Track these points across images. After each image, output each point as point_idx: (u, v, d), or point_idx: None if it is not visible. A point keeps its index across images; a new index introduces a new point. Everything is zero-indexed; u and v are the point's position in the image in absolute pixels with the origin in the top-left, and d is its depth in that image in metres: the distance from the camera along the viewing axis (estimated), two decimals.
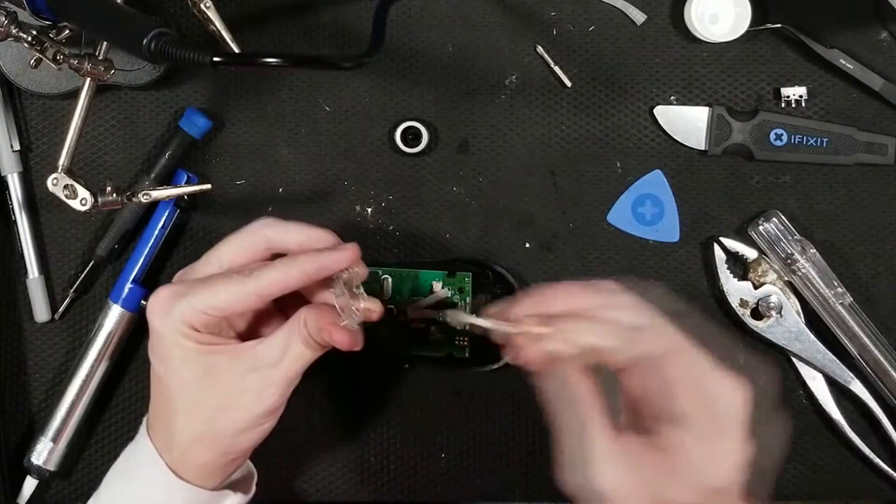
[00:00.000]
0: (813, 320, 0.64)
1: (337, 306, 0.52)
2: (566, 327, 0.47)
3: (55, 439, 0.64)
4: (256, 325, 0.56)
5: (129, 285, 0.64)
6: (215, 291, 0.51)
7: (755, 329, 0.64)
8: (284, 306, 0.55)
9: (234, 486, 0.56)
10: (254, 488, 0.58)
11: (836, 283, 0.63)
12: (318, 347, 0.52)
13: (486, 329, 0.49)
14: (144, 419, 0.56)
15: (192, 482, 0.53)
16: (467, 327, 0.51)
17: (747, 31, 0.63)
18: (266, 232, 0.54)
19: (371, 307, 0.52)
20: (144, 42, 0.49)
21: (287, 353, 0.52)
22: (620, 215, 0.65)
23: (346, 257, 0.52)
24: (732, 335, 0.65)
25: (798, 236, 0.64)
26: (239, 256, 0.54)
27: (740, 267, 0.65)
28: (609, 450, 0.45)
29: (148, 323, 0.53)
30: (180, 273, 0.55)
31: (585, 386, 0.47)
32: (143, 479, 0.54)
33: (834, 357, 0.64)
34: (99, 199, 0.55)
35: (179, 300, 0.51)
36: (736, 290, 0.64)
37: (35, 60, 0.54)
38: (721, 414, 0.46)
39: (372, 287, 0.64)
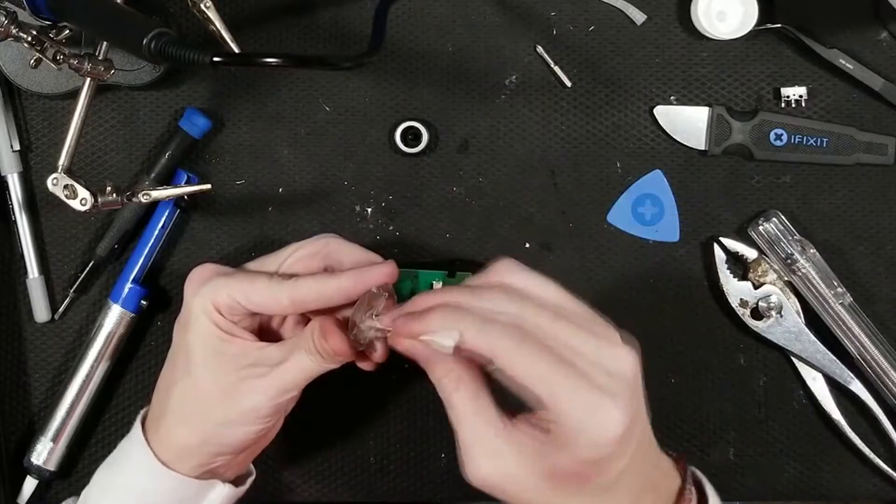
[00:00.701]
0: (813, 320, 0.64)
1: (351, 318, 0.52)
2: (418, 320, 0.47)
3: (55, 439, 0.64)
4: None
5: (129, 285, 0.64)
6: (253, 285, 0.53)
7: (755, 329, 0.64)
8: None
9: (226, 480, 0.56)
10: (248, 484, 0.58)
11: (836, 283, 0.63)
12: (321, 359, 0.52)
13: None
14: (140, 414, 0.57)
15: (171, 464, 0.53)
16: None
17: (748, 31, 0.63)
18: (329, 244, 0.56)
19: (378, 335, 0.51)
20: (144, 42, 0.49)
21: (288, 358, 0.52)
22: (620, 215, 0.65)
23: (382, 273, 0.53)
24: (732, 335, 0.65)
25: (798, 236, 0.64)
26: (299, 263, 0.55)
27: (740, 267, 0.65)
28: (487, 441, 0.46)
29: (188, 287, 0.54)
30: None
31: (460, 376, 0.47)
32: (130, 466, 0.55)
33: (834, 357, 0.64)
34: (99, 199, 0.55)
35: (216, 279, 0.53)
36: (736, 290, 0.64)
37: (35, 60, 0.54)
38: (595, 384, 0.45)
39: None
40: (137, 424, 0.56)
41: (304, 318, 0.57)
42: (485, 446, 0.46)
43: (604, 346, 0.46)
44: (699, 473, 0.52)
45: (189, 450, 0.53)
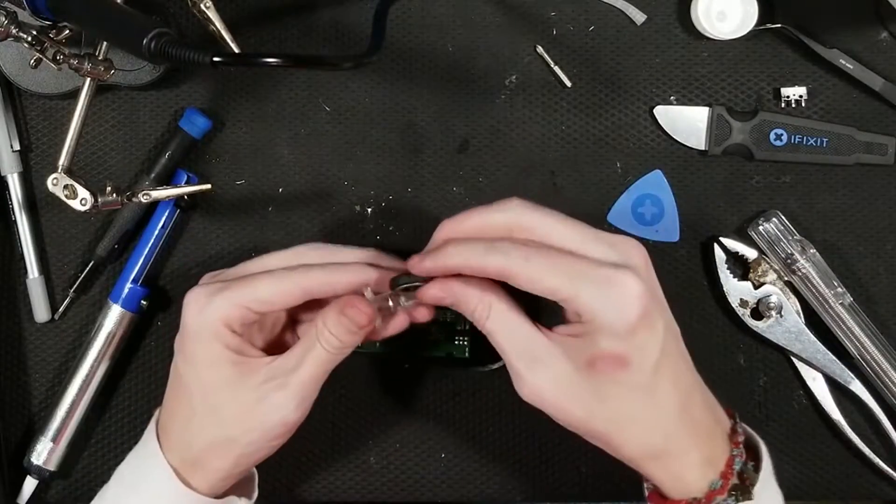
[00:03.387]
0: (813, 320, 0.64)
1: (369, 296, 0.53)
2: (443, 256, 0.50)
3: (55, 439, 0.64)
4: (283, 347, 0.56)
5: (129, 285, 0.64)
6: (256, 286, 0.52)
7: (755, 329, 0.64)
8: None
9: (236, 489, 0.56)
10: (256, 491, 0.58)
11: (836, 283, 0.63)
12: (337, 344, 0.52)
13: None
14: (153, 422, 0.55)
15: (199, 489, 0.53)
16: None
17: (749, 31, 0.63)
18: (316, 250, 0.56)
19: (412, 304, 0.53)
20: (144, 42, 0.49)
21: (304, 358, 0.52)
22: (620, 215, 0.65)
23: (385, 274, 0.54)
24: (732, 335, 0.65)
25: (798, 236, 0.64)
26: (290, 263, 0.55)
27: (740, 267, 0.65)
28: (529, 353, 0.49)
29: (181, 320, 0.53)
30: (209, 275, 0.56)
31: (490, 303, 0.49)
32: (149, 487, 0.53)
33: (834, 357, 0.64)
34: (99, 199, 0.55)
35: (217, 296, 0.52)
36: (736, 290, 0.64)
37: (35, 60, 0.54)
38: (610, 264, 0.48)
39: None
40: (153, 438, 0.54)
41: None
42: (528, 359, 0.49)
43: (610, 241, 0.49)
44: (749, 429, 0.53)
45: (222, 475, 0.53)
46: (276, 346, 0.56)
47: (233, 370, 0.52)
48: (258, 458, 0.54)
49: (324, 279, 0.53)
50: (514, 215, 0.50)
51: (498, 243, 0.49)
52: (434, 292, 0.51)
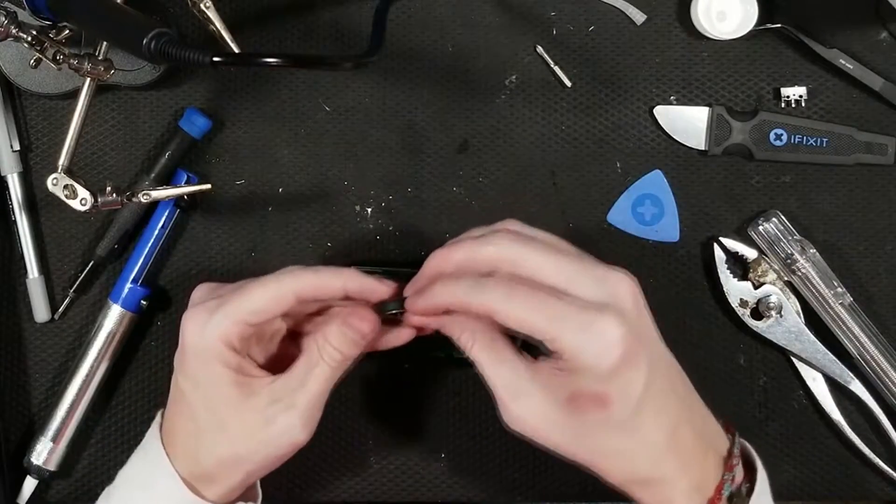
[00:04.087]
0: (813, 320, 0.64)
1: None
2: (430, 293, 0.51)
3: (55, 439, 0.64)
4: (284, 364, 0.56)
5: (129, 285, 0.64)
6: (249, 296, 0.52)
7: (755, 329, 0.64)
8: None
9: (242, 495, 0.56)
10: (260, 495, 0.58)
11: (836, 283, 0.63)
12: (339, 358, 0.52)
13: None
14: (155, 426, 0.55)
15: (210, 499, 0.53)
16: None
17: (749, 31, 0.63)
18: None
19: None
20: (144, 42, 0.49)
21: (308, 377, 0.52)
22: (620, 215, 0.65)
23: (387, 291, 0.54)
24: (732, 335, 0.65)
25: (798, 236, 0.64)
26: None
27: (740, 267, 0.65)
28: (512, 383, 0.49)
29: (180, 340, 0.52)
30: (202, 287, 0.55)
31: (473, 330, 0.50)
32: (160, 497, 0.53)
33: (834, 357, 0.64)
34: (99, 199, 0.55)
35: (215, 314, 0.51)
36: (736, 290, 0.64)
37: (35, 60, 0.54)
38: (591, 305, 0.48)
39: None
40: (158, 447, 0.54)
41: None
42: (511, 389, 0.49)
43: (598, 275, 0.49)
44: (749, 447, 0.53)
45: (233, 487, 0.53)
46: (276, 360, 0.56)
47: (236, 391, 0.52)
48: (267, 471, 0.54)
49: (316, 282, 0.53)
50: (503, 249, 0.50)
51: (482, 282, 0.49)
52: (420, 319, 0.53)
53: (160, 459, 0.53)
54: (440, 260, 0.52)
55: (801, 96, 0.65)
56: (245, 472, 0.53)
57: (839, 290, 0.63)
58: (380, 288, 0.54)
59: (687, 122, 0.65)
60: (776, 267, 0.64)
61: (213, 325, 0.51)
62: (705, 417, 0.52)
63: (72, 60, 0.54)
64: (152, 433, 0.55)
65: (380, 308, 0.54)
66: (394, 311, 0.54)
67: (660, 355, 0.50)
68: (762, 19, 0.64)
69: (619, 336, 0.47)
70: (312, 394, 0.52)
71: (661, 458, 0.48)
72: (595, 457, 0.49)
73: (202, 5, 0.57)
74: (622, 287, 0.49)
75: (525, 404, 0.48)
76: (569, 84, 0.65)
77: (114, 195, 0.56)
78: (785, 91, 0.65)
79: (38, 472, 0.64)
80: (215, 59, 0.47)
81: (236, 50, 0.58)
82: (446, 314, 0.52)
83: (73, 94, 0.57)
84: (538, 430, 0.48)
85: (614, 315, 0.47)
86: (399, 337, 0.55)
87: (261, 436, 0.52)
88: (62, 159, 0.56)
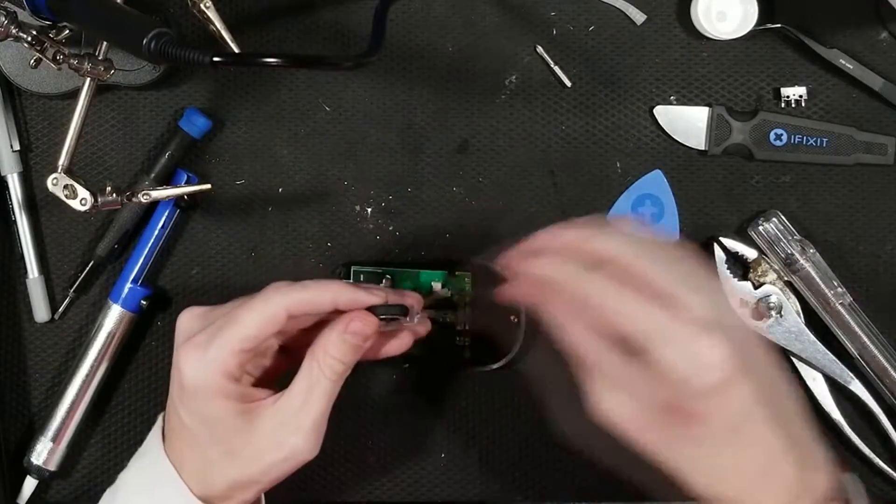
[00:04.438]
0: (813, 320, 0.64)
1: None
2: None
3: (55, 439, 0.64)
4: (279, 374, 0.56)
5: (129, 285, 0.64)
6: (242, 322, 0.51)
7: (755, 329, 0.64)
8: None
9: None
10: (262, 499, 0.58)
11: (836, 283, 0.63)
12: (341, 370, 0.52)
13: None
14: (158, 432, 0.55)
15: None
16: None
17: (749, 31, 0.63)
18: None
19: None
20: (144, 42, 0.49)
21: (311, 395, 0.52)
22: (620, 215, 0.65)
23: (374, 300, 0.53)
24: None
25: (798, 236, 0.64)
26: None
27: (740, 267, 0.65)
28: (605, 374, 0.47)
29: (178, 377, 0.52)
30: (190, 312, 0.54)
31: (575, 313, 0.48)
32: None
33: (834, 357, 0.64)
34: (99, 199, 0.55)
35: (209, 348, 0.51)
36: (736, 290, 0.64)
37: (35, 60, 0.54)
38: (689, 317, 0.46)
39: None
40: (170, 469, 0.53)
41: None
42: (604, 380, 0.47)
43: (708, 285, 0.48)
44: (856, 490, 0.50)
45: (244, 503, 0.53)
46: (271, 371, 0.55)
47: (242, 420, 0.52)
48: (279, 482, 0.54)
49: (305, 297, 0.52)
50: (617, 245, 0.49)
51: (592, 271, 0.48)
52: (510, 290, 0.52)
53: (167, 473, 0.53)
54: (550, 236, 0.51)
55: (801, 96, 0.65)
56: (256, 490, 0.53)
57: (839, 290, 0.63)
58: (370, 298, 0.53)
59: (687, 122, 0.65)
60: (776, 267, 0.64)
61: (210, 360, 0.50)
62: (813, 454, 0.49)
63: (72, 60, 0.54)
64: (154, 440, 0.55)
65: (374, 310, 0.53)
66: (387, 316, 0.53)
67: (770, 382, 0.48)
68: (762, 19, 0.64)
69: (722, 357, 0.45)
70: (317, 412, 0.52)
71: (750, 486, 0.47)
72: (680, 466, 0.47)
73: (202, 5, 0.57)
74: (724, 306, 0.48)
75: (618, 399, 0.47)
76: (569, 84, 0.65)
77: (114, 195, 0.56)
78: (785, 91, 0.65)
79: (38, 472, 0.64)
80: (215, 59, 0.47)
81: (236, 50, 0.58)
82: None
83: (73, 94, 0.57)
84: (627, 428, 0.47)
85: (719, 334, 0.45)
86: (400, 345, 0.55)
87: (270, 458, 0.52)
88: (62, 159, 0.56)
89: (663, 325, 0.46)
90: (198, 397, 0.51)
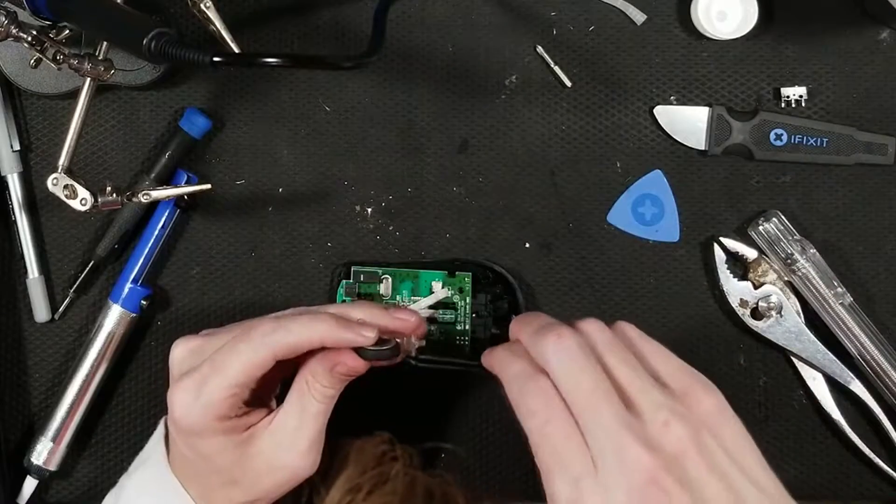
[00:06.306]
0: (813, 320, 0.64)
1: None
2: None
3: (55, 439, 0.64)
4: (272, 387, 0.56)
5: (129, 285, 0.64)
6: (230, 366, 0.51)
7: (755, 329, 0.64)
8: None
9: None
10: None
11: (836, 283, 0.63)
12: (332, 394, 0.53)
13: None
14: (160, 438, 0.55)
15: None
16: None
17: (749, 31, 0.63)
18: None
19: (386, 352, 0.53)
20: (144, 42, 0.49)
21: (304, 415, 0.52)
22: (620, 215, 0.65)
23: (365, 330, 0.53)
24: (732, 335, 0.65)
25: (798, 236, 0.64)
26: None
27: (740, 267, 0.65)
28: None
29: (172, 415, 0.52)
30: (184, 343, 0.54)
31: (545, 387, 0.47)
32: None
33: (834, 357, 0.64)
34: (99, 199, 0.55)
35: (200, 394, 0.51)
36: (736, 290, 0.64)
37: (35, 60, 0.54)
38: None
39: (372, 287, 0.64)
40: (176, 484, 0.53)
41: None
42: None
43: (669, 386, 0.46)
44: None
45: None
46: (262, 385, 0.54)
47: (238, 450, 0.52)
48: (279, 497, 0.55)
49: (291, 340, 0.51)
50: (553, 361, 0.47)
51: (531, 381, 0.48)
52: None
53: (174, 488, 0.53)
54: (518, 327, 0.50)
55: (801, 96, 0.65)
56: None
57: (839, 290, 0.63)
58: (358, 339, 0.52)
59: (687, 122, 0.65)
60: (776, 267, 0.64)
61: (201, 405, 0.51)
62: None
63: (72, 60, 0.54)
64: (156, 447, 0.55)
65: (360, 353, 0.53)
66: (376, 354, 0.53)
67: (715, 494, 0.45)
68: (762, 19, 0.64)
69: (644, 466, 0.43)
70: (312, 431, 0.53)
71: None
72: None
73: (202, 5, 0.57)
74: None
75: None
76: (569, 84, 0.65)
77: (114, 195, 0.56)
78: (785, 91, 0.65)
79: (38, 472, 0.64)
80: (215, 59, 0.47)
81: (236, 50, 0.58)
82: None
83: (73, 94, 0.57)
84: None
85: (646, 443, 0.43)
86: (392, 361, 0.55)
87: (272, 479, 0.53)
88: (62, 159, 0.56)
89: (561, 459, 0.45)
90: (192, 436, 0.52)
